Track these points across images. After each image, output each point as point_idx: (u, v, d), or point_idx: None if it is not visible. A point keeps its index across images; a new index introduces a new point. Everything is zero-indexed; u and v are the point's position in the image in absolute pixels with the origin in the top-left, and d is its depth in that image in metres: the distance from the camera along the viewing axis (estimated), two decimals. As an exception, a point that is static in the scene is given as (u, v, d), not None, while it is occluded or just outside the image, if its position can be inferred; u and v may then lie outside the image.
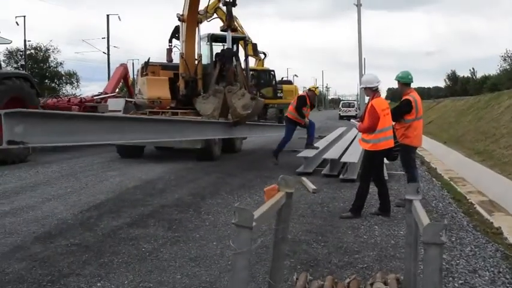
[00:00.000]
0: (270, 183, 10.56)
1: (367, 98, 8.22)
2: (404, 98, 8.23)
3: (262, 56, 32.14)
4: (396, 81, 8.41)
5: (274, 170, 12.46)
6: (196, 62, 14.98)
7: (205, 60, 15.52)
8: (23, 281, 4.89)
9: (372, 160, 7.67)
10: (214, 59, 14.27)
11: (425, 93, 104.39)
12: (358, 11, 30.07)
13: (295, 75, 65.41)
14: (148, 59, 16.15)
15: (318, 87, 14.90)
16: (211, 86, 13.10)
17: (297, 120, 14.06)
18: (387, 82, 46.20)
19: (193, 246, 6.13)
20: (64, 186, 10.18)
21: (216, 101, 12.57)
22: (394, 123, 8.08)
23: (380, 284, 3.87)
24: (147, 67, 15.71)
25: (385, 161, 8.54)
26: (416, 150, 9.33)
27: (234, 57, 13.30)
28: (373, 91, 7.67)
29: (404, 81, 8.30)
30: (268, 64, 33.34)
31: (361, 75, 30.21)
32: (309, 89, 14.70)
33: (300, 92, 25.70)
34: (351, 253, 5.87)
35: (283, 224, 3.49)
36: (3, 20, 75.57)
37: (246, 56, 17.02)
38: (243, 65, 14.66)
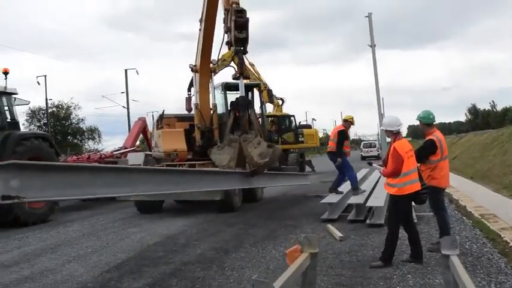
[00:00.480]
0: (294, 232, 10.33)
1: (388, 138, 7.97)
2: (427, 138, 7.96)
3: (280, 102, 32.24)
4: (418, 121, 8.16)
5: (298, 218, 12.18)
6: (211, 111, 14.82)
7: (220, 109, 15.43)
8: None
9: (398, 205, 7.34)
10: (228, 108, 14.15)
11: (446, 129, 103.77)
12: (372, 52, 30.04)
13: (314, 118, 65.29)
14: (163, 112, 16.07)
15: (353, 117, 13.65)
16: (225, 136, 12.83)
17: (332, 151, 13.16)
18: (406, 120, 45.86)
19: (217, 307, 5.83)
20: (85, 246, 9.98)
21: (231, 151, 12.23)
22: (419, 164, 7.79)
23: None
24: (162, 119, 15.61)
25: (413, 203, 8.20)
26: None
27: (248, 105, 13.02)
28: (394, 134, 7.43)
29: (426, 121, 8.03)
30: (286, 109, 33.39)
31: (380, 114, 30.00)
32: (345, 120, 13.59)
33: (320, 135, 25.53)
34: (385, 307, 5.51)
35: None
36: (25, 79, 77.44)
37: (262, 103, 16.93)
38: (258, 112, 14.42)
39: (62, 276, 7.64)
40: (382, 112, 32.48)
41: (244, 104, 12.78)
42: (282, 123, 31.34)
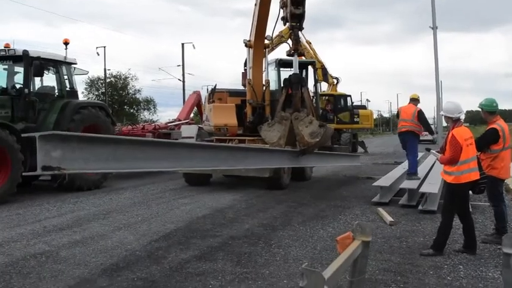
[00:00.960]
0: (343, 213, 10.21)
1: (446, 123, 7.68)
2: (490, 126, 7.61)
3: (334, 81, 31.88)
4: (480, 108, 7.81)
5: (348, 199, 12.02)
6: (264, 88, 14.74)
7: (273, 86, 15.30)
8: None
9: (455, 194, 7.08)
10: (281, 85, 13.78)
11: (508, 116, 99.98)
12: (434, 34, 28.89)
13: (368, 99, 64.07)
14: (215, 86, 16.05)
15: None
16: (277, 113, 12.51)
17: (410, 131, 12.63)
18: (465, 105, 44.40)
19: (262, 284, 5.81)
20: (135, 214, 10.16)
21: (281, 129, 11.89)
22: (478, 153, 7.48)
23: None
24: (214, 94, 15.60)
25: (470, 193, 7.90)
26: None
27: (301, 83, 12.60)
28: (454, 121, 7.13)
29: (489, 109, 7.68)
30: (340, 89, 33.03)
31: (438, 98, 29.08)
32: (415, 99, 12.90)
33: (374, 117, 25.13)
34: (434, 298, 5.35)
35: (358, 276, 3.11)
36: (85, 49, 79.19)
37: (316, 81, 16.49)
38: (311, 91, 13.99)
39: (112, 242, 7.80)
40: (440, 96, 31.47)
41: (297, 81, 12.40)
42: (338, 102, 31.07)
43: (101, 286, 5.70)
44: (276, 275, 6.12)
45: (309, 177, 16.31)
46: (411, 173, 12.69)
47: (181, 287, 5.71)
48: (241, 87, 15.90)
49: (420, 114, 12.49)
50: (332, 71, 31.82)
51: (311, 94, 13.98)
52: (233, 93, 15.84)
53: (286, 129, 11.81)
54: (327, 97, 31.26)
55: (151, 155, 6.06)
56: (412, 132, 12.60)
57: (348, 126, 30.88)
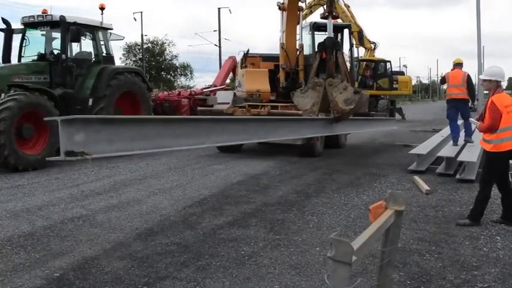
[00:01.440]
0: (379, 181, 10.10)
1: (486, 91, 7.43)
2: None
3: (372, 46, 31.31)
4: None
5: (384, 167, 11.88)
6: (297, 52, 14.30)
7: (307, 50, 14.81)
8: (120, 282, 4.82)
9: (494, 162, 6.88)
10: (315, 49, 13.08)
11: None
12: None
13: (405, 65, 62.42)
14: (248, 50, 15.73)
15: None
16: (310, 79, 11.91)
17: (465, 98, 12.44)
18: (507, 71, 42.98)
19: (294, 251, 5.81)
20: (171, 180, 10.26)
21: (315, 95, 11.38)
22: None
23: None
24: (246, 58, 15.28)
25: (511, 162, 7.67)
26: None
27: (335, 47, 11.99)
28: (495, 86, 6.88)
29: None
30: (379, 54, 32.51)
31: (480, 64, 28.26)
32: (460, 63, 12.57)
33: (413, 83, 24.69)
34: (469, 269, 5.25)
35: (390, 246, 3.05)
36: (123, 15, 79.50)
37: (351, 46, 15.94)
38: (347, 55, 13.47)
39: (147, 207, 7.91)
40: (482, 62, 30.60)
41: (331, 45, 11.84)
42: (378, 68, 30.63)
43: (136, 250, 5.79)
44: (309, 243, 6.11)
45: (343, 144, 16.05)
46: (471, 135, 12.67)
47: (214, 252, 5.75)
48: (275, 52, 15.41)
49: (469, 79, 12.20)
50: (370, 35, 31.17)
51: (346, 59, 13.52)
52: (266, 58, 15.52)
53: (320, 96, 11.36)
54: (366, 62, 30.81)
55: (178, 132, 5.87)
56: (465, 99, 12.30)
57: (386, 93, 30.49)
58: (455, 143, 12.38)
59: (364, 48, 31.13)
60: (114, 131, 4.99)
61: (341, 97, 11.17)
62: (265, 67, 14.99)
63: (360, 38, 27.24)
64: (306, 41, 15.12)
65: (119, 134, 5.05)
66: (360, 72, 31.42)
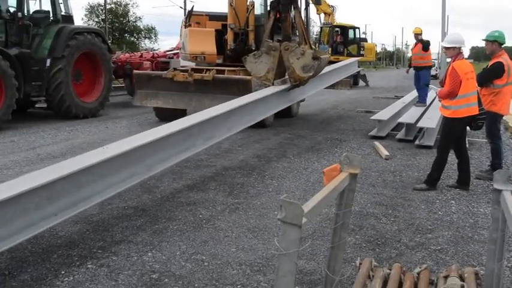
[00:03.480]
0: (340, 146, 10.15)
1: (448, 58, 7.48)
2: (495, 60, 7.38)
3: (331, 9, 31.25)
4: (484, 41, 7.55)
5: (346, 133, 11.95)
6: (247, 11, 12.86)
7: (258, 9, 13.48)
8: (73, 246, 4.74)
9: (452, 128, 6.97)
10: (268, 8, 11.88)
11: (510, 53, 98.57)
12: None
13: (364, 32, 62.28)
14: (192, 8, 14.47)
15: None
16: (263, 42, 10.56)
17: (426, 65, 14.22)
18: (471, 41, 43.56)
19: (253, 215, 5.81)
20: (130, 143, 10.09)
21: (270, 60, 10.10)
22: (479, 88, 7.31)
23: (455, 280, 3.35)
24: (191, 17, 13.70)
25: (468, 129, 7.80)
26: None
27: (291, 3, 10.71)
28: (456, 53, 6.91)
29: (502, 40, 7.39)
30: (341, 20, 32.69)
31: (443, 33, 28.44)
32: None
33: (378, 50, 24.90)
34: (424, 232, 5.35)
35: (344, 209, 3.04)
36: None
37: (307, 5, 13.90)
38: (303, 16, 11.96)
39: (105, 170, 7.76)
40: (446, 31, 30.81)
41: (287, 2, 10.58)
42: (348, 34, 30.77)
43: (91, 214, 5.69)
44: (267, 206, 6.12)
45: (295, 114, 14.73)
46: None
47: (172, 216, 5.70)
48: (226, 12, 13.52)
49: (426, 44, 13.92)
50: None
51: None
52: (213, 16, 14.01)
53: (275, 61, 10.12)
54: (337, 28, 30.86)
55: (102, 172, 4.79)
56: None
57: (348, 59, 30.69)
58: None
59: (323, 14, 31.08)
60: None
61: (298, 63, 10.07)
62: (212, 27, 13.48)
63: None
64: None
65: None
66: (325, 39, 31.44)
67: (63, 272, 4.20)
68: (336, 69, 14.49)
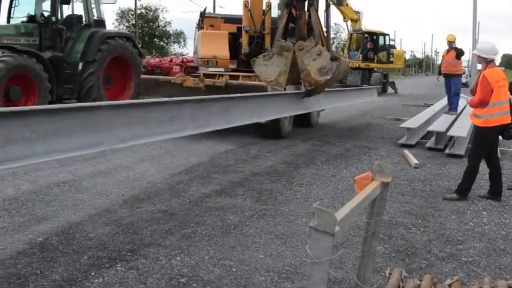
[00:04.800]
0: (368, 154, 10.07)
1: (479, 65, 7.37)
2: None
3: (357, 15, 31.07)
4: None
5: (374, 140, 11.86)
6: (264, 12, 12.07)
7: (275, 11, 12.63)
8: (103, 248, 4.79)
9: (483, 137, 6.86)
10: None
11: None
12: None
13: (392, 39, 61.86)
14: (205, 9, 13.56)
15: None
16: (275, 42, 9.67)
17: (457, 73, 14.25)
18: (501, 48, 42.88)
19: (281, 221, 5.80)
20: (159, 147, 10.15)
21: (281, 62, 9.25)
22: (511, 96, 7.19)
23: (488, 292, 3.30)
24: (203, 19, 12.90)
25: (500, 138, 7.66)
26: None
27: (307, 2, 9.87)
28: (487, 61, 6.81)
29: None
30: (366, 26, 32.55)
31: (474, 40, 28.16)
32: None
33: (407, 57, 24.73)
34: (454, 243, 5.26)
35: (376, 218, 3.01)
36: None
37: (327, 6, 12.96)
38: (322, 17, 11.27)
39: (134, 173, 7.85)
40: (477, 38, 30.46)
41: (302, 0, 9.69)
42: (378, 41, 30.59)
43: (121, 217, 5.75)
44: (295, 213, 6.10)
45: (315, 123, 13.86)
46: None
47: (200, 220, 5.72)
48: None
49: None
50: (356, 5, 30.91)
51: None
52: (229, 19, 13.20)
53: (288, 63, 9.32)
54: (366, 35, 30.70)
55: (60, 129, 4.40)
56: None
57: (380, 66, 30.46)
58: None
59: (350, 21, 30.93)
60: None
61: (314, 65, 9.20)
62: (227, 30, 12.63)
63: None
64: (275, 1, 12.79)
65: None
66: (354, 45, 31.29)
67: (93, 274, 4.25)
68: (354, 90, 14.47)
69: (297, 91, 9.39)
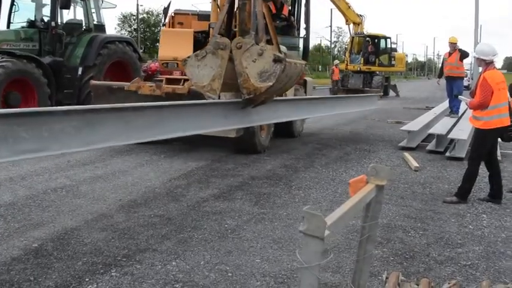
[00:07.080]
0: (368, 157, 10.01)
1: (480, 68, 7.33)
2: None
3: (360, 19, 31.02)
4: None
5: (375, 143, 11.81)
6: (235, 8, 9.08)
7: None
8: (98, 254, 4.74)
9: (483, 140, 6.81)
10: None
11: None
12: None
13: (394, 42, 61.89)
14: (168, 5, 11.69)
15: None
16: (211, 38, 7.44)
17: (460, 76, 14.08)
18: (504, 51, 42.82)
19: (278, 225, 5.75)
20: (158, 152, 10.12)
21: (216, 64, 6.89)
22: (511, 99, 7.14)
23: (486, 296, 3.25)
24: (166, 16, 11.52)
25: (499, 140, 7.62)
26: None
27: None
28: (486, 63, 6.77)
29: None
30: (368, 29, 32.49)
31: (476, 43, 28.08)
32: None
33: (409, 60, 24.68)
34: (453, 246, 5.21)
35: (371, 222, 2.97)
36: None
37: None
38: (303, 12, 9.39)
39: (133, 178, 7.81)
40: (478, 40, 30.39)
41: None
42: (380, 44, 30.56)
43: (117, 222, 5.71)
44: (293, 217, 6.05)
45: (298, 133, 12.39)
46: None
47: (197, 225, 5.68)
48: None
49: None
50: (357, 8, 30.61)
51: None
52: (204, 16, 11.53)
53: (224, 65, 6.92)
54: (368, 38, 30.69)
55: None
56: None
57: (381, 69, 30.42)
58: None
59: (352, 24, 30.88)
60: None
61: (254, 68, 6.79)
62: (200, 28, 10.98)
63: None
64: None
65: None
66: (355, 49, 31.27)
67: (87, 280, 4.21)
68: (352, 98, 13.74)
69: (236, 100, 7.08)
